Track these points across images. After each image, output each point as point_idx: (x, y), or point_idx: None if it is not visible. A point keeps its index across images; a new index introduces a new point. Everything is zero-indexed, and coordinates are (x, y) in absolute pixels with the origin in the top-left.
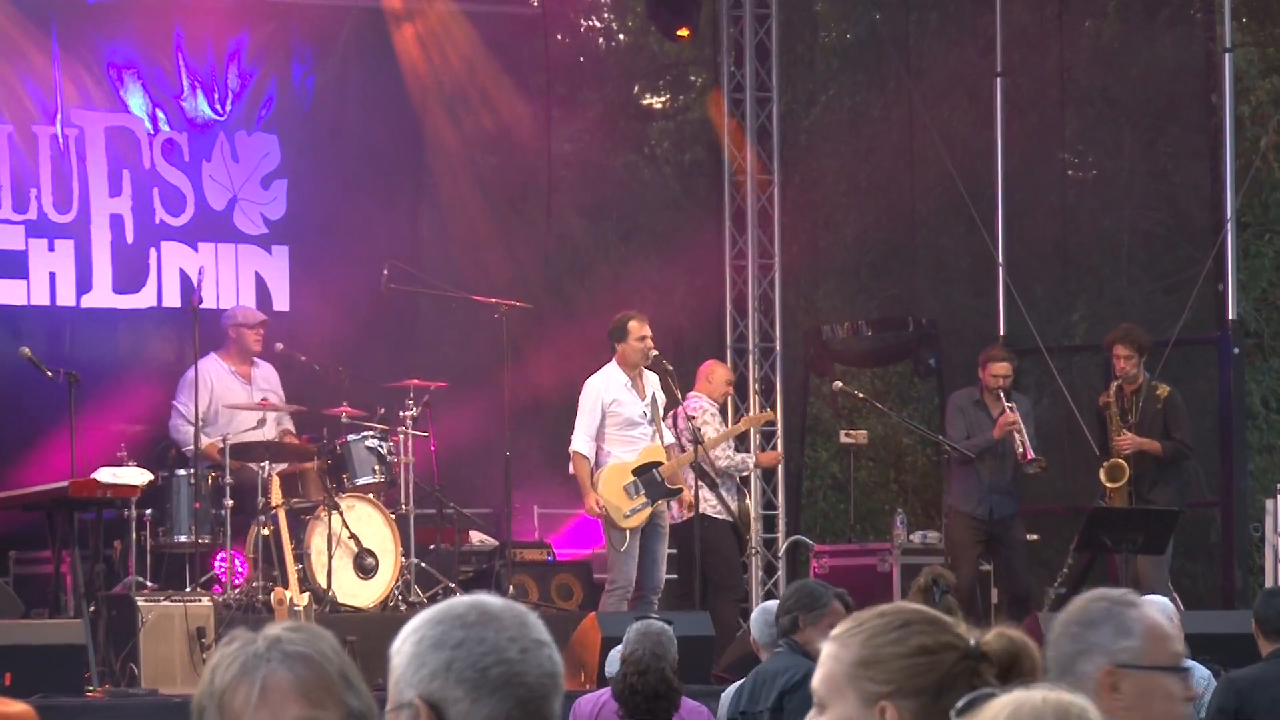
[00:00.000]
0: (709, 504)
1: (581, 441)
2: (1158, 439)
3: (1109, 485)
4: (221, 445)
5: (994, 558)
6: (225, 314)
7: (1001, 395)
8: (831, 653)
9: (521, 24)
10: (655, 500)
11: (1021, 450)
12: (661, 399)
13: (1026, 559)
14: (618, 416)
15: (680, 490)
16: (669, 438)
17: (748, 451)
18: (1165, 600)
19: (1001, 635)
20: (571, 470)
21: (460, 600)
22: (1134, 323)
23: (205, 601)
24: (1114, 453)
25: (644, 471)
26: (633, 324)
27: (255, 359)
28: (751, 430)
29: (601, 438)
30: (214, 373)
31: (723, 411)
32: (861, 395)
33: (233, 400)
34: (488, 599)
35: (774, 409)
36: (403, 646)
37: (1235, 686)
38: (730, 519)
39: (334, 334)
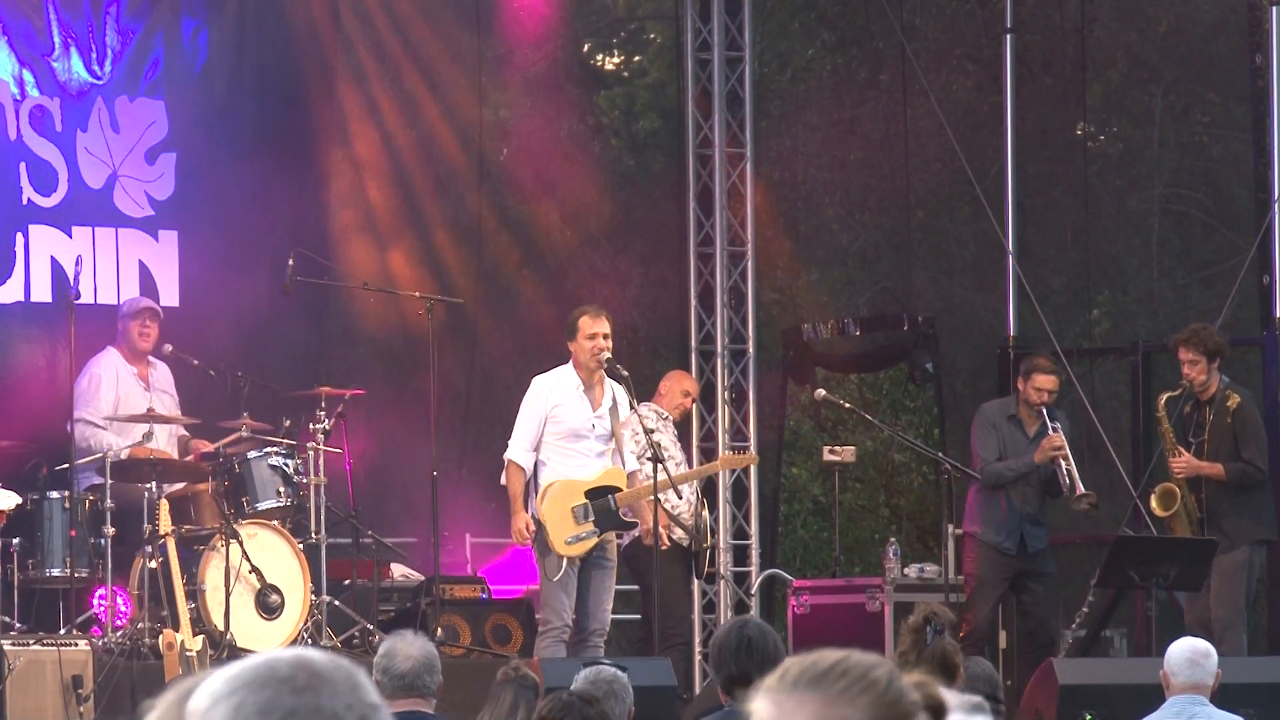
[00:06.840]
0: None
1: (518, 449)
2: (1226, 459)
3: (1162, 513)
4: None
5: (1018, 595)
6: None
7: (1044, 412)
8: (822, 714)
9: None
10: (604, 530)
11: (1069, 482)
12: (625, 414)
13: (1056, 599)
14: (559, 424)
15: (634, 525)
16: (632, 462)
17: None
18: (1198, 642)
19: None
20: (504, 480)
21: (281, 658)
22: (1167, 319)
23: (82, 645)
24: (1170, 476)
25: (598, 495)
26: (584, 320)
27: (151, 358)
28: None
29: (541, 449)
30: (119, 371)
31: (680, 428)
32: (848, 405)
33: (133, 406)
34: (311, 655)
35: (746, 422)
36: (211, 712)
37: None
38: (685, 539)
39: (231, 333)
